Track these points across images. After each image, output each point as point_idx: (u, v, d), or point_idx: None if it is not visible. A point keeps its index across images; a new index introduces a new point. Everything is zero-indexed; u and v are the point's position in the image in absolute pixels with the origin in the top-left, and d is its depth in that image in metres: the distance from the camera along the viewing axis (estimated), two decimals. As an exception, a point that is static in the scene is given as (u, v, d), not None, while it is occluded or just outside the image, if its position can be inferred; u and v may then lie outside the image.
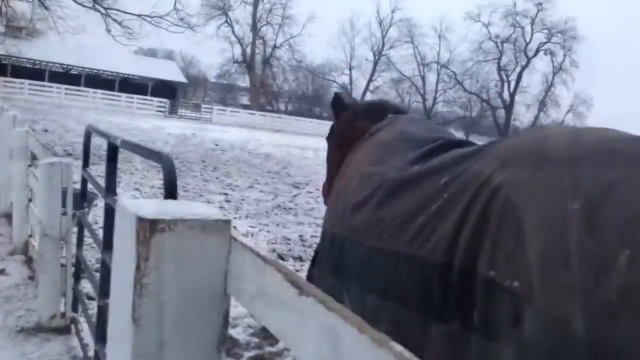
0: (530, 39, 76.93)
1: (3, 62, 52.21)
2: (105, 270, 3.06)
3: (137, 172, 12.96)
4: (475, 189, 1.72)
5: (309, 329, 1.32)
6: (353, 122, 3.18)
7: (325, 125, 54.36)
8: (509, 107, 78.20)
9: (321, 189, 3.62)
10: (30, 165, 5.95)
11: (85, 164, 3.90)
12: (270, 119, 54.97)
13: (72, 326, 4.11)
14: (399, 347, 1.01)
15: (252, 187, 13.86)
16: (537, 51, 77.47)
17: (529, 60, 77.38)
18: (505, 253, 1.55)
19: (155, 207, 1.83)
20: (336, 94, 3.58)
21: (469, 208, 1.71)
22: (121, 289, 1.82)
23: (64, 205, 4.05)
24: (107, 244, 3.06)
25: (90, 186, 3.97)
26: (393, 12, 76.74)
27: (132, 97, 46.70)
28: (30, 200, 5.90)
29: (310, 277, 2.80)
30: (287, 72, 75.72)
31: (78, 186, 4.22)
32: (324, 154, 3.71)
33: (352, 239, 2.26)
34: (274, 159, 22.41)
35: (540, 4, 74.47)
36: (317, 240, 3.70)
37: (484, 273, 1.59)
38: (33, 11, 28.86)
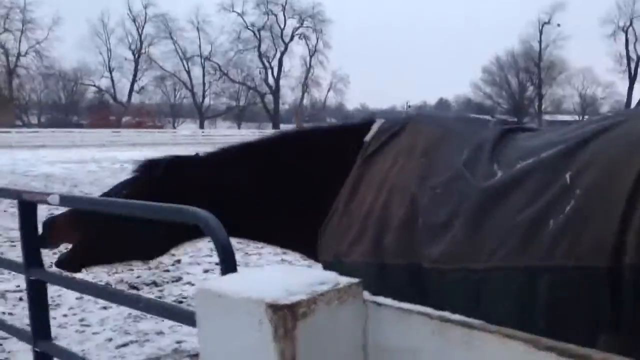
0: (284, 25, 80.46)
1: None
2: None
3: None
4: (634, 179, 1.55)
5: None
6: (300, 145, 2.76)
7: (90, 133, 50.74)
8: (275, 92, 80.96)
9: None
10: None
11: None
12: (28, 135, 49.45)
13: None
14: None
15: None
16: (293, 36, 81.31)
17: (286, 45, 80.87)
18: None
19: (273, 283, 1.37)
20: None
21: (632, 202, 1.53)
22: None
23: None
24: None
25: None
26: (146, 7, 74.14)
27: None
28: None
29: None
30: (35, 82, 68.78)
31: None
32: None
33: (439, 267, 1.93)
34: (58, 179, 20.18)
35: (288, -10, 77.93)
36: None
37: None
38: None
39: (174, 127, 75.65)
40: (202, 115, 78.81)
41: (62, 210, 2.97)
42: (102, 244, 2.75)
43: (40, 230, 2.86)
